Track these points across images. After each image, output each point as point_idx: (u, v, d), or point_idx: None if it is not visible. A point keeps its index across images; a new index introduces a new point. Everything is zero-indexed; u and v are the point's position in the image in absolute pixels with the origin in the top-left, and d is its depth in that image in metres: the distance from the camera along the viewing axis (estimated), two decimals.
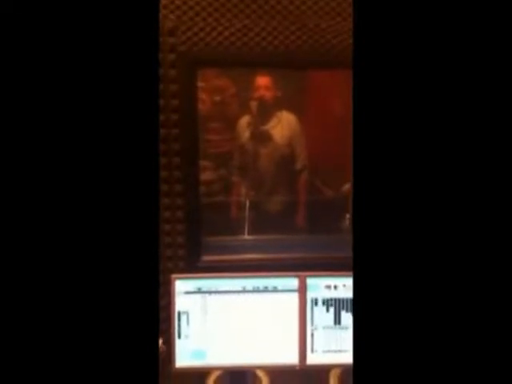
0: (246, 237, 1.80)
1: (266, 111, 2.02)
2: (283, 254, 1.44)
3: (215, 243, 1.54)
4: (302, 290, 1.18)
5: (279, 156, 2.10)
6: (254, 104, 2.00)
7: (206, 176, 2.09)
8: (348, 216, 1.65)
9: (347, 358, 1.20)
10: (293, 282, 1.18)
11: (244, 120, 2.11)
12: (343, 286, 1.19)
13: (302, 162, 2.16)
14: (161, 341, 1.20)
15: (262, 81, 2.00)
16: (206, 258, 1.41)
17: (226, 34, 1.24)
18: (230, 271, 1.25)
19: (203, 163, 2.17)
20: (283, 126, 2.07)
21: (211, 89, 2.03)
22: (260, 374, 1.27)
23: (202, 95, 2.02)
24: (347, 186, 1.74)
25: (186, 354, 1.17)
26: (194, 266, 1.36)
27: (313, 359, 1.20)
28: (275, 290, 1.18)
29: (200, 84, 1.33)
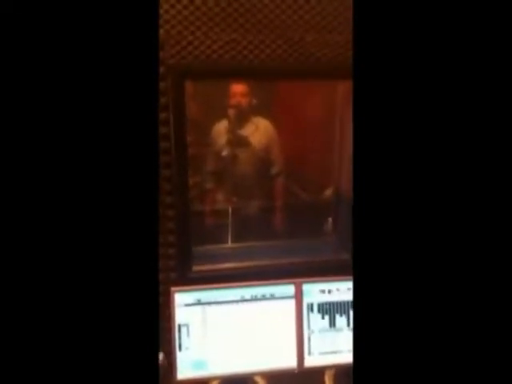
0: (231, 245, 1.82)
1: (242, 117, 2.05)
2: (272, 260, 1.48)
3: (203, 252, 1.56)
4: (298, 296, 1.22)
5: (257, 161, 2.13)
6: (231, 111, 2.02)
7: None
8: (330, 220, 1.71)
9: (342, 358, 1.25)
10: (289, 289, 1.22)
11: (220, 126, 2.13)
12: (337, 290, 1.24)
13: (278, 167, 2.20)
14: (162, 355, 1.21)
15: (238, 88, 2.02)
16: (197, 267, 1.43)
17: (215, 47, 1.26)
18: (221, 280, 1.27)
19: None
20: (260, 132, 2.10)
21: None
22: (258, 379, 1.30)
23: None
24: (329, 191, 1.80)
25: (187, 366, 1.18)
26: (186, 277, 1.37)
27: (310, 362, 1.24)
28: (273, 297, 1.21)
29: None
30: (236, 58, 1.28)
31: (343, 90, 1.67)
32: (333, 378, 1.31)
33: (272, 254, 1.56)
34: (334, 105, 1.71)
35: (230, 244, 1.83)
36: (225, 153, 2.08)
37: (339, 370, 1.32)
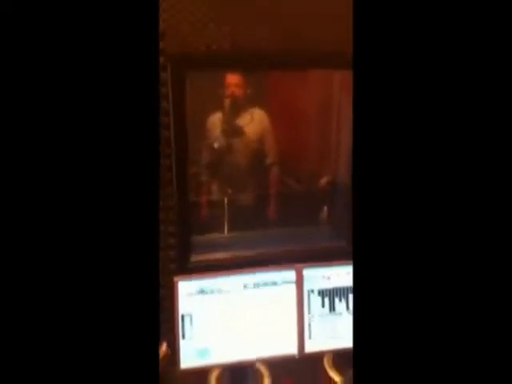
0: (229, 234, 1.83)
1: (237, 108, 2.05)
2: (270, 248, 1.50)
3: (201, 242, 1.57)
4: (299, 282, 1.25)
5: (252, 152, 2.15)
6: (226, 101, 2.02)
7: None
8: (326, 208, 1.73)
9: (342, 342, 1.28)
10: (290, 274, 1.24)
11: (215, 117, 2.13)
12: (337, 276, 1.27)
13: (272, 157, 2.23)
14: (165, 344, 1.22)
15: (233, 78, 2.02)
16: (196, 257, 1.44)
17: (214, 36, 1.27)
18: (220, 269, 1.28)
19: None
20: (255, 122, 2.12)
21: None
22: (259, 365, 1.32)
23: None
24: (325, 180, 1.82)
25: (191, 355, 1.20)
26: (185, 267, 1.39)
27: (311, 347, 1.27)
28: (274, 283, 1.24)
29: None
30: (235, 48, 1.28)
31: (338, 79, 1.69)
32: (332, 361, 1.34)
33: (269, 242, 1.57)
34: (328, 94, 1.73)
35: (226, 233, 1.85)
36: (217, 144, 2.09)
37: (337, 354, 1.35)
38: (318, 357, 1.34)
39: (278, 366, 1.32)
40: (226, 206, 2.01)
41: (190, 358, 1.20)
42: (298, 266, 1.26)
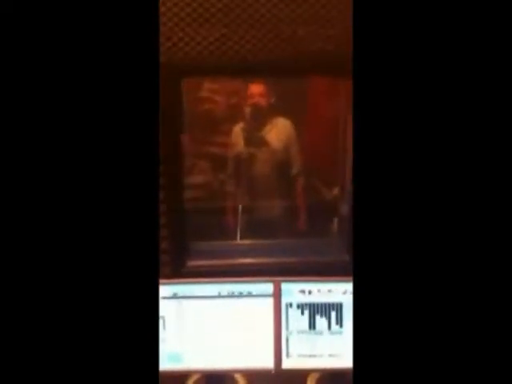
0: (238, 241, 1.82)
1: (260, 117, 2.04)
2: (274, 258, 1.47)
3: (203, 248, 1.57)
4: (277, 295, 1.19)
5: (275, 161, 2.12)
6: (247, 110, 2.02)
7: (201, 179, 2.15)
8: (336, 219, 1.65)
9: (322, 362, 1.21)
10: (268, 287, 1.20)
11: (239, 127, 2.14)
12: (318, 291, 1.19)
13: (297, 167, 2.18)
14: None
15: (256, 88, 2.02)
16: (192, 263, 1.45)
17: (205, 43, 1.27)
18: (215, 276, 1.27)
19: (200, 166, 2.24)
20: (279, 131, 2.09)
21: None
22: (238, 377, 1.29)
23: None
24: (336, 190, 1.75)
25: (162, 358, 1.19)
26: (180, 272, 1.39)
27: (288, 364, 1.21)
28: (250, 295, 1.20)
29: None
30: (227, 54, 1.28)
31: None
32: (316, 382, 1.27)
33: (275, 252, 1.54)
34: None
35: (236, 241, 1.84)
36: (240, 154, 2.10)
37: (323, 375, 1.27)
38: (300, 375, 1.27)
39: (257, 380, 1.27)
40: (239, 214, 2.01)
41: (161, 361, 1.19)
42: (276, 279, 1.20)
